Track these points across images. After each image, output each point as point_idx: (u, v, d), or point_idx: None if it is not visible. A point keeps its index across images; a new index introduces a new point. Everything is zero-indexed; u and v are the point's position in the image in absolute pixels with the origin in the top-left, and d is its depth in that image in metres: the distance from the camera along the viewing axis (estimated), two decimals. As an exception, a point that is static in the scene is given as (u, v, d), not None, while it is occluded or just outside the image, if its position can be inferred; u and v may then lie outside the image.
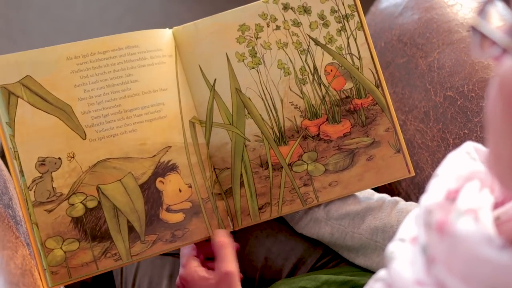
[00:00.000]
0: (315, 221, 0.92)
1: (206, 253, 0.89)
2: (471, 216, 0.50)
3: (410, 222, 0.62)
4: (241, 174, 0.90)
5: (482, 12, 0.44)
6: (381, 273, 0.62)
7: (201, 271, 0.83)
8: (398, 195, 1.07)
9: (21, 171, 0.80)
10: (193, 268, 0.84)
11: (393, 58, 1.14)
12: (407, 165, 0.90)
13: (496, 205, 0.54)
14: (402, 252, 0.58)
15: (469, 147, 0.60)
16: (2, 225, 0.79)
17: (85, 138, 0.82)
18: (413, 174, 0.91)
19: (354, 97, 0.90)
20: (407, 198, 1.04)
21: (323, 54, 0.89)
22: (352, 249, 0.91)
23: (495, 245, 0.46)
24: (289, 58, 0.89)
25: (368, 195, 0.92)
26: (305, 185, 0.90)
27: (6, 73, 0.80)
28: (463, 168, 0.57)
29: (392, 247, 0.59)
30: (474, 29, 0.44)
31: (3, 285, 0.68)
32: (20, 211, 0.87)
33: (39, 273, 0.80)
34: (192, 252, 0.87)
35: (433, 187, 0.57)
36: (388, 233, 0.87)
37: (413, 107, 1.08)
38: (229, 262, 0.82)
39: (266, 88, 0.89)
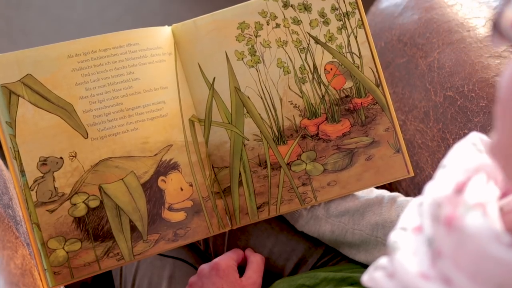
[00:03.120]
0: (315, 219, 0.92)
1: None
2: (479, 210, 0.49)
3: (412, 211, 0.62)
4: (240, 173, 0.90)
5: (503, 7, 0.44)
6: (382, 261, 0.61)
7: (236, 272, 0.89)
8: (398, 194, 1.07)
9: (22, 171, 0.80)
10: (231, 264, 0.89)
11: (393, 58, 1.14)
12: (406, 165, 0.90)
13: (500, 197, 0.54)
14: (405, 242, 0.58)
15: (475, 138, 0.60)
16: (2, 225, 0.79)
17: (87, 137, 0.82)
18: (412, 174, 0.91)
19: (354, 96, 0.90)
20: (407, 198, 1.05)
21: (323, 53, 0.89)
22: (353, 246, 0.91)
23: (503, 243, 0.46)
24: (289, 56, 0.89)
25: (367, 191, 0.92)
26: (303, 184, 0.90)
27: (7, 72, 0.80)
28: (470, 160, 0.56)
29: (395, 237, 0.59)
30: (493, 24, 0.44)
31: (3, 285, 0.68)
32: (20, 211, 0.87)
33: (39, 273, 0.80)
34: (235, 255, 0.92)
35: (441, 178, 0.57)
36: (388, 228, 0.87)
37: (413, 107, 1.08)
38: (259, 274, 0.90)
39: (265, 87, 0.89)
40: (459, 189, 0.54)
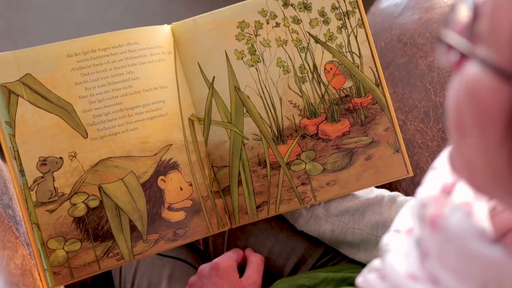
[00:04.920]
0: (315, 219, 0.92)
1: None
2: (465, 209, 0.50)
3: (406, 213, 0.62)
4: (239, 173, 0.90)
5: (448, 18, 0.44)
6: (375, 263, 0.62)
7: (236, 272, 0.89)
8: (398, 194, 1.07)
9: (21, 171, 0.80)
10: (231, 264, 0.89)
11: (393, 58, 1.14)
12: (405, 165, 0.90)
13: None
14: (396, 244, 0.58)
15: None
16: (2, 225, 0.79)
17: (87, 137, 0.82)
18: (411, 174, 0.91)
19: (354, 96, 0.90)
20: (407, 197, 1.04)
21: (323, 52, 0.89)
22: (353, 245, 0.91)
23: (486, 240, 0.47)
24: (289, 56, 0.89)
25: (367, 191, 0.92)
26: (303, 184, 0.90)
27: (6, 71, 0.80)
28: None
29: (387, 239, 0.60)
30: (438, 37, 0.44)
31: (3, 285, 0.68)
32: (20, 211, 0.87)
33: (39, 274, 0.80)
34: (235, 255, 0.92)
35: (430, 180, 0.57)
36: (388, 227, 0.86)
37: (413, 107, 1.08)
38: (259, 273, 0.90)
39: (265, 87, 0.89)
40: (448, 190, 0.54)
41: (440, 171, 0.57)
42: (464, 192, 0.53)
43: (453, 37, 0.43)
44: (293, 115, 0.89)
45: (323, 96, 0.89)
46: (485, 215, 0.50)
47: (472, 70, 0.41)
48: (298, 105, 0.89)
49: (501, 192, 0.44)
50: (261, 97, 0.89)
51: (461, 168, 0.46)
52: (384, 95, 0.89)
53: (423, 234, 0.54)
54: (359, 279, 0.62)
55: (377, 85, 0.89)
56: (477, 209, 0.50)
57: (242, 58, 0.88)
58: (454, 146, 0.46)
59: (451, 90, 0.44)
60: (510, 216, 0.49)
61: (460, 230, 0.48)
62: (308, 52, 0.89)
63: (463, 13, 0.42)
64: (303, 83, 0.89)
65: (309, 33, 0.88)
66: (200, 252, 1.03)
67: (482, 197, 0.51)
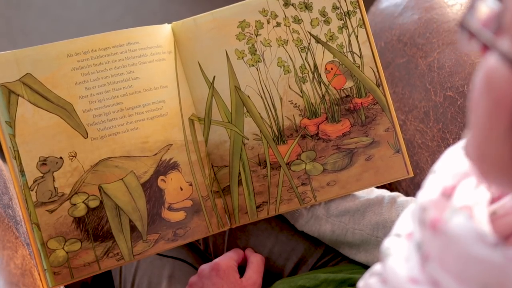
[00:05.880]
0: (315, 219, 0.92)
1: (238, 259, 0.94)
2: (465, 213, 0.50)
3: (407, 217, 0.62)
4: (239, 173, 0.90)
5: (471, 7, 0.44)
6: (377, 268, 0.62)
7: (237, 272, 0.89)
8: (398, 194, 1.07)
9: (21, 171, 0.80)
10: (232, 265, 0.89)
11: (393, 58, 1.14)
12: (406, 165, 0.90)
13: (493, 200, 0.54)
14: (397, 248, 0.58)
15: None
16: (2, 225, 0.79)
17: (87, 137, 0.82)
18: (412, 175, 0.91)
19: (354, 96, 0.90)
20: (407, 198, 1.04)
21: (323, 52, 0.89)
22: (353, 246, 0.91)
23: (487, 243, 0.47)
24: (289, 55, 0.88)
25: (368, 191, 0.92)
26: (303, 184, 0.90)
27: (6, 71, 0.80)
28: (460, 164, 0.57)
29: (388, 243, 0.60)
30: (460, 24, 0.44)
31: (3, 285, 0.68)
32: (20, 211, 0.87)
33: (39, 274, 0.80)
34: (235, 256, 0.92)
35: (429, 183, 0.57)
36: (389, 228, 0.87)
37: (413, 107, 1.08)
38: (260, 274, 0.90)
39: (266, 87, 0.89)
40: (448, 193, 0.54)
41: (440, 174, 0.57)
42: (464, 196, 0.53)
43: (476, 26, 0.43)
44: (293, 115, 0.89)
45: (323, 96, 0.89)
46: (485, 218, 0.50)
47: (492, 60, 0.42)
48: (299, 105, 0.89)
49: (507, 180, 0.45)
50: (261, 97, 0.89)
51: (472, 155, 0.47)
52: (385, 96, 0.89)
53: (424, 238, 0.54)
54: (360, 283, 0.62)
55: (378, 86, 0.89)
56: (477, 212, 0.50)
57: (242, 57, 0.88)
58: (470, 132, 0.47)
59: (476, 76, 0.45)
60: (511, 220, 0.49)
61: (461, 233, 0.48)
62: (308, 52, 0.89)
63: (489, 3, 0.43)
64: (303, 83, 0.89)
65: (309, 33, 0.88)
66: (200, 252, 1.03)
67: (490, 185, 0.52)
